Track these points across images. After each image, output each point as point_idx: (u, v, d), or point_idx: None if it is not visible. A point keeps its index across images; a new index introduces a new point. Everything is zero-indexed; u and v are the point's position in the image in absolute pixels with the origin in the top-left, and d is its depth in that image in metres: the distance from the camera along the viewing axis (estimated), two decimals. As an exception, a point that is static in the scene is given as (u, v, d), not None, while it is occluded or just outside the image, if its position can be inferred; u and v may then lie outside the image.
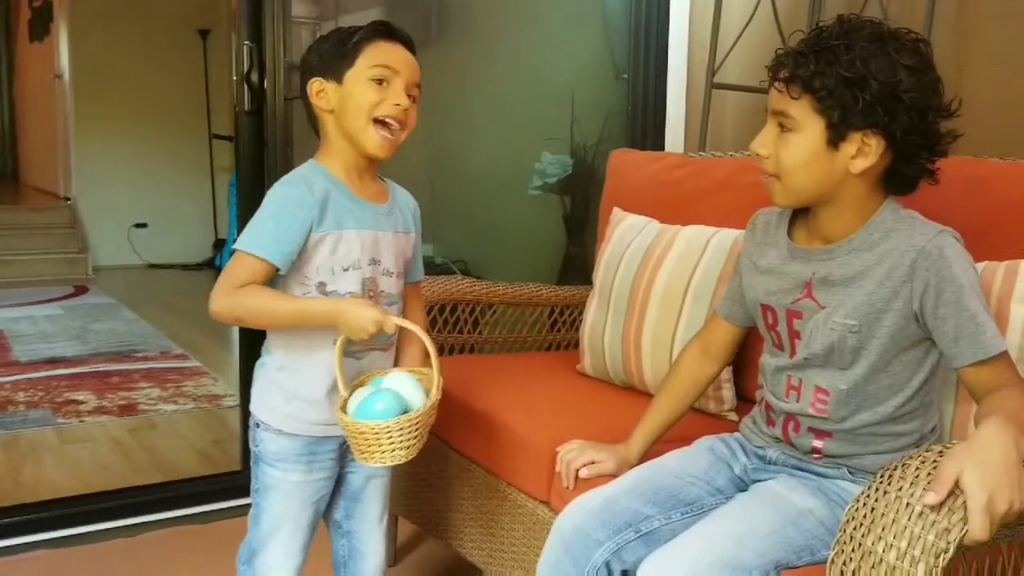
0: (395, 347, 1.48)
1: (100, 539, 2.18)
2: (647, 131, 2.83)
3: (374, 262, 1.40)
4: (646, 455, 1.42)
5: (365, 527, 1.51)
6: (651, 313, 1.77)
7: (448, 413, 1.81)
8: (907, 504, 0.90)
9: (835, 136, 1.13)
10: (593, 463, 1.42)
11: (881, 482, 0.94)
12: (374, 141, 1.36)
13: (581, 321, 1.99)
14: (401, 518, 2.05)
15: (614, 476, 1.35)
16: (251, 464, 1.44)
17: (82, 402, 3.31)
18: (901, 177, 1.18)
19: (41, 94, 7.28)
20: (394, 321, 1.31)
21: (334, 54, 1.37)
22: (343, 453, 1.45)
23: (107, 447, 2.83)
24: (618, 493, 1.27)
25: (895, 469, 0.94)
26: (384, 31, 1.39)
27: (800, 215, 1.29)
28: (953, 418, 1.33)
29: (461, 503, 1.78)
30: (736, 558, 1.08)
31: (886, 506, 0.91)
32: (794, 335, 1.25)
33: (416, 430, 1.28)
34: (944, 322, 1.13)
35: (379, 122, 1.36)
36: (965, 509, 0.88)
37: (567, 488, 1.43)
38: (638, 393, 1.81)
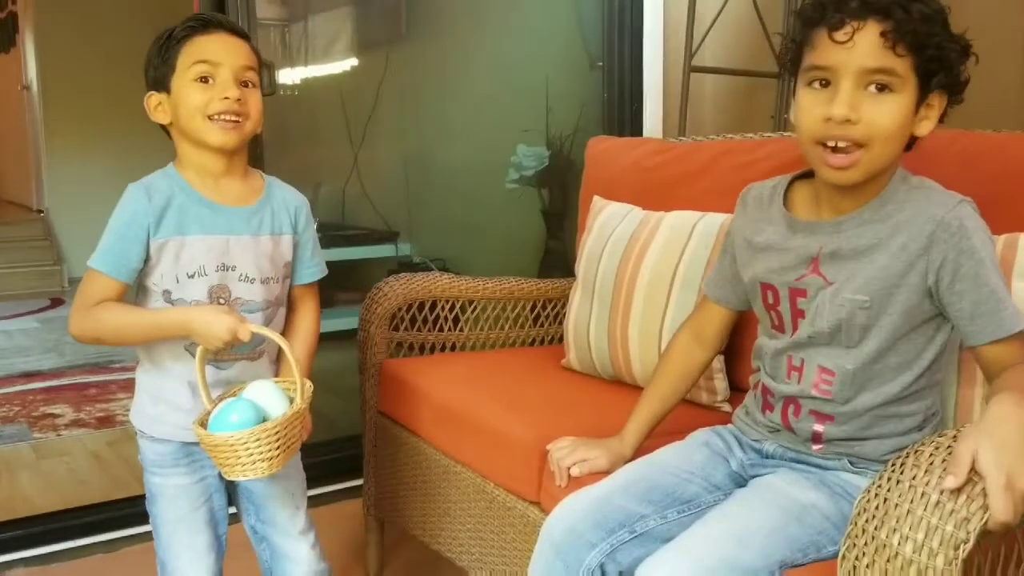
0: (267, 356, 1.41)
1: (79, 555, 2.12)
2: (624, 119, 2.78)
3: (224, 268, 1.33)
4: (640, 449, 1.36)
5: (278, 532, 1.46)
6: (637, 303, 1.71)
7: (431, 414, 1.76)
8: (922, 493, 0.84)
9: (923, 97, 1.07)
10: (585, 460, 1.36)
11: (893, 471, 0.88)
12: (214, 135, 1.31)
13: (565, 315, 1.93)
14: (388, 523, 1.99)
15: (608, 473, 1.29)
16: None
17: (59, 415, 3.23)
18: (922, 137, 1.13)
19: (9, 106, 7.15)
20: (251, 328, 1.25)
21: (158, 63, 1.33)
22: None
23: (85, 461, 2.76)
24: (611, 492, 1.21)
25: (907, 456, 0.88)
26: (198, 24, 1.32)
27: (799, 187, 1.23)
28: (956, 401, 1.28)
29: (448, 506, 1.71)
30: (739, 559, 1.01)
31: (900, 496, 0.85)
32: (797, 314, 1.18)
33: (276, 442, 1.21)
34: (961, 298, 1.07)
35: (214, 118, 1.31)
36: (984, 494, 0.82)
37: (560, 486, 1.36)
38: (626, 386, 1.75)
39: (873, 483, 0.89)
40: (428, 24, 3.81)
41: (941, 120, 1.12)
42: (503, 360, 1.99)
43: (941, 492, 0.83)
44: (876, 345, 1.12)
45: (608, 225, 1.87)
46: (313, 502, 2.06)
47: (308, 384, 1.29)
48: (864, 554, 0.86)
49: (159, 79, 1.33)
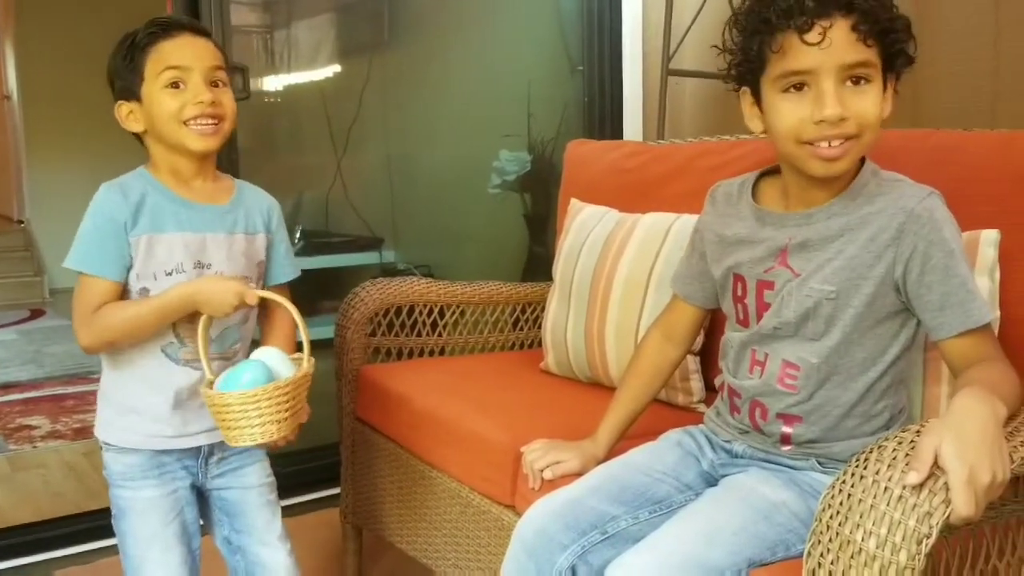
0: (241, 356, 1.39)
1: (55, 567, 2.09)
2: (604, 122, 2.79)
3: (200, 265, 1.33)
4: (613, 450, 1.36)
5: (255, 540, 1.43)
6: (614, 304, 1.71)
7: (408, 419, 1.74)
8: (885, 488, 0.83)
9: (886, 80, 1.09)
10: (558, 463, 1.35)
11: (857, 466, 0.87)
12: (193, 140, 1.31)
13: (543, 318, 1.92)
14: (365, 530, 1.97)
15: (580, 475, 1.28)
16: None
17: (35, 427, 3.20)
18: None
19: (-9, 116, 7.11)
20: (257, 293, 1.28)
21: (124, 72, 1.32)
22: (202, 469, 1.40)
23: (60, 472, 2.73)
24: (583, 493, 1.20)
25: (871, 452, 0.88)
26: (159, 29, 1.31)
27: (767, 183, 1.23)
28: (923, 399, 1.27)
29: (424, 511, 1.70)
30: (707, 557, 1.01)
31: (863, 491, 0.84)
32: (763, 308, 1.18)
33: (287, 402, 1.21)
34: (930, 289, 1.07)
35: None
36: (947, 488, 0.82)
37: (533, 489, 1.36)
38: (603, 388, 1.74)
39: (838, 479, 0.88)
40: (411, 30, 3.81)
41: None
42: (481, 364, 1.98)
43: (904, 487, 0.82)
44: (840, 337, 1.12)
45: (585, 227, 1.86)
46: (290, 511, 2.05)
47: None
48: (829, 550, 0.85)
49: (127, 88, 1.32)
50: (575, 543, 1.15)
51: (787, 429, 1.17)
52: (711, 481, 1.23)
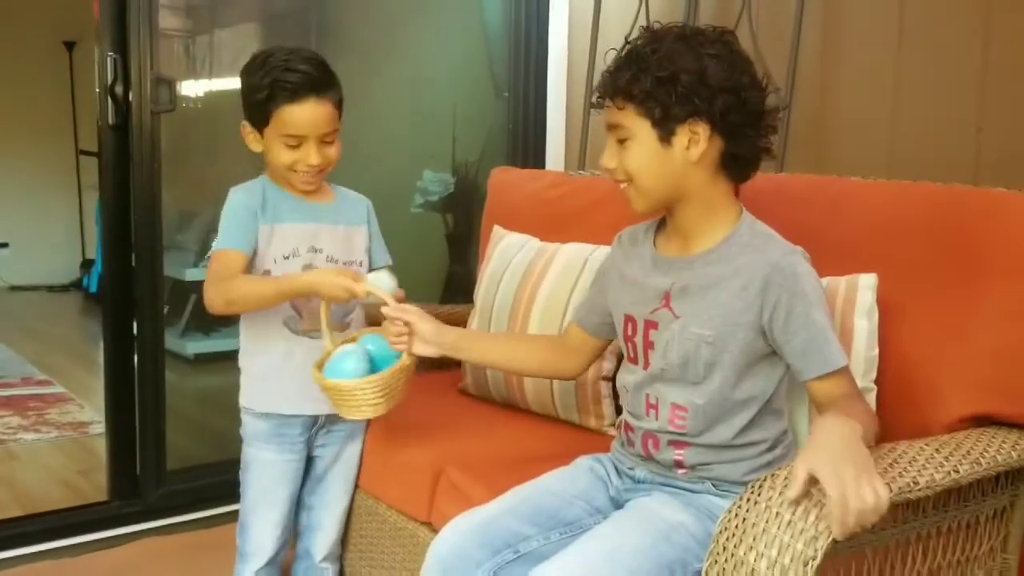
0: (353, 327, 1.62)
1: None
2: (528, 148, 2.84)
3: (314, 250, 1.58)
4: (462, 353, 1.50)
5: (323, 502, 1.67)
6: (532, 330, 1.77)
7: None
8: (776, 513, 0.91)
9: (664, 132, 1.19)
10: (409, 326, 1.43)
11: (752, 492, 0.95)
12: (298, 182, 1.56)
13: (463, 339, 1.96)
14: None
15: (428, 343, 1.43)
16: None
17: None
18: (738, 160, 1.22)
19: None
20: (365, 288, 1.45)
21: (253, 109, 1.52)
22: (313, 436, 1.63)
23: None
24: (497, 513, 1.26)
25: (765, 480, 0.96)
26: (289, 93, 1.48)
27: (664, 226, 1.31)
28: (808, 419, 1.37)
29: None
30: (608, 574, 1.07)
31: (756, 516, 0.92)
32: (648, 346, 1.27)
33: (381, 391, 1.42)
34: (794, 336, 1.17)
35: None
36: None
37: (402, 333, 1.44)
38: (520, 410, 1.80)
39: (735, 504, 0.96)
40: (338, 46, 3.80)
41: (774, 130, 1.26)
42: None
43: (793, 512, 0.90)
44: (721, 380, 1.21)
45: (507, 254, 1.92)
46: (210, 523, 2.03)
47: None
48: (724, 571, 0.92)
49: (253, 119, 1.54)
50: (489, 560, 1.20)
51: (678, 454, 1.25)
52: (619, 505, 1.29)
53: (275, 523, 1.62)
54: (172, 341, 3.04)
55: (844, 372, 1.19)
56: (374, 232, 1.70)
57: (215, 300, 1.51)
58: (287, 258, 1.56)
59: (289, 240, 1.56)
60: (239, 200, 1.56)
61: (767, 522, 0.91)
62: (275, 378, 1.58)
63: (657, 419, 1.26)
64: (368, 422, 1.65)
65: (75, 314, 5.71)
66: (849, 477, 0.90)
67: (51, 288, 6.48)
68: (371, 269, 1.66)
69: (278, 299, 1.52)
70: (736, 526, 0.93)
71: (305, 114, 1.49)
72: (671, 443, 1.25)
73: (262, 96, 1.49)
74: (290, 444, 1.61)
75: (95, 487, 2.51)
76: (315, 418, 1.62)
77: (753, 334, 1.19)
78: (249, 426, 1.62)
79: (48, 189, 6.36)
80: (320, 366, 1.48)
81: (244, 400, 1.62)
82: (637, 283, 1.30)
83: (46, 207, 6.39)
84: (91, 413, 3.35)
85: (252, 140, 1.56)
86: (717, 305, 1.20)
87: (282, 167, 1.53)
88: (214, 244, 1.56)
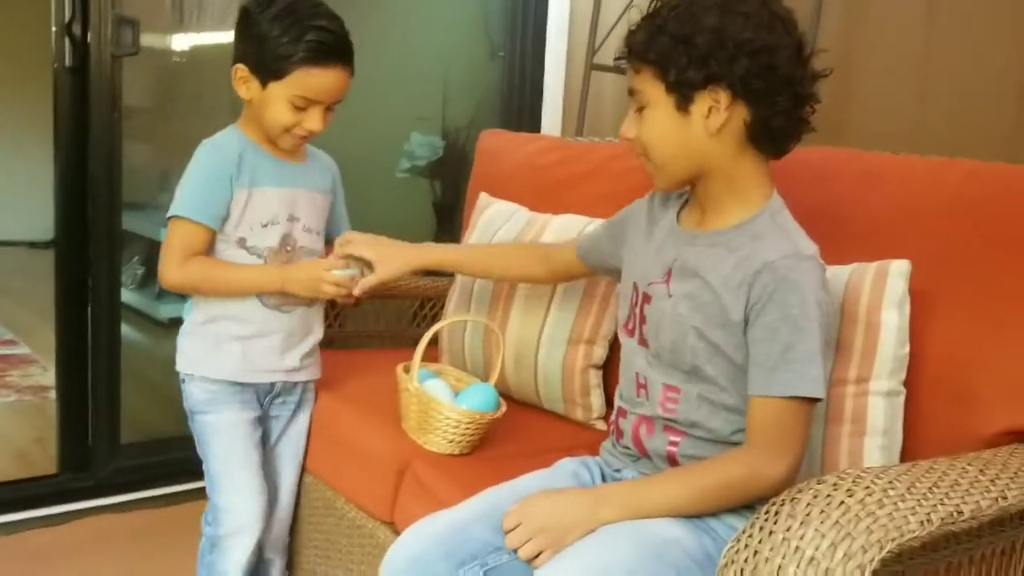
0: (318, 303, 1.53)
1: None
2: (523, 113, 2.72)
3: (292, 219, 1.47)
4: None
5: (271, 479, 1.54)
6: (516, 310, 1.61)
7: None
8: (796, 548, 0.75)
9: (681, 99, 1.06)
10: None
11: (766, 519, 0.78)
12: (285, 142, 1.44)
13: (442, 316, 1.81)
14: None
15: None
16: (189, 424, 1.52)
17: None
18: (770, 131, 1.07)
19: None
20: (331, 292, 1.42)
21: (266, 58, 1.36)
22: (268, 405, 1.53)
23: None
24: (466, 519, 1.10)
25: (782, 504, 0.79)
26: (318, 55, 1.35)
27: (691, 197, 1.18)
28: (823, 438, 1.21)
29: (295, 523, 1.58)
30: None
31: (771, 550, 0.76)
32: (642, 320, 1.15)
33: (473, 431, 1.39)
34: (753, 344, 1.03)
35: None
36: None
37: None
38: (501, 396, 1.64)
39: (743, 531, 0.79)
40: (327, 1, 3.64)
41: (813, 98, 1.10)
42: (372, 363, 1.84)
43: (816, 548, 0.74)
44: (714, 376, 1.08)
45: (492, 224, 1.76)
46: (167, 500, 1.99)
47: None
48: (731, 615, 0.76)
49: (260, 69, 1.37)
50: (452, 575, 1.04)
51: (672, 445, 1.11)
52: (604, 514, 1.13)
53: (256, 489, 1.48)
54: (147, 304, 2.91)
55: (785, 405, 1.00)
56: (339, 199, 1.61)
57: (175, 281, 1.42)
58: (265, 226, 1.44)
59: (269, 206, 1.44)
60: (212, 161, 1.42)
61: (784, 558, 0.74)
62: (246, 347, 1.47)
63: (648, 399, 1.13)
64: (315, 396, 1.60)
65: (54, 272, 5.55)
66: (530, 528, 0.99)
67: (33, 244, 6.32)
68: (328, 239, 1.56)
69: (249, 293, 1.45)
70: (746, 559, 0.77)
71: (329, 80, 1.37)
72: (666, 428, 1.12)
73: (284, 50, 1.34)
74: (251, 404, 1.51)
75: (48, 458, 2.36)
76: (271, 385, 1.52)
77: (739, 333, 1.05)
78: (202, 393, 1.49)
79: (24, 141, 6.18)
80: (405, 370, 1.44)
81: (199, 368, 1.49)
82: (651, 252, 1.17)
83: (23, 160, 6.20)
84: (54, 376, 3.19)
85: (246, 88, 1.40)
86: (707, 292, 1.07)
87: (277, 126, 1.40)
88: (174, 206, 1.41)
